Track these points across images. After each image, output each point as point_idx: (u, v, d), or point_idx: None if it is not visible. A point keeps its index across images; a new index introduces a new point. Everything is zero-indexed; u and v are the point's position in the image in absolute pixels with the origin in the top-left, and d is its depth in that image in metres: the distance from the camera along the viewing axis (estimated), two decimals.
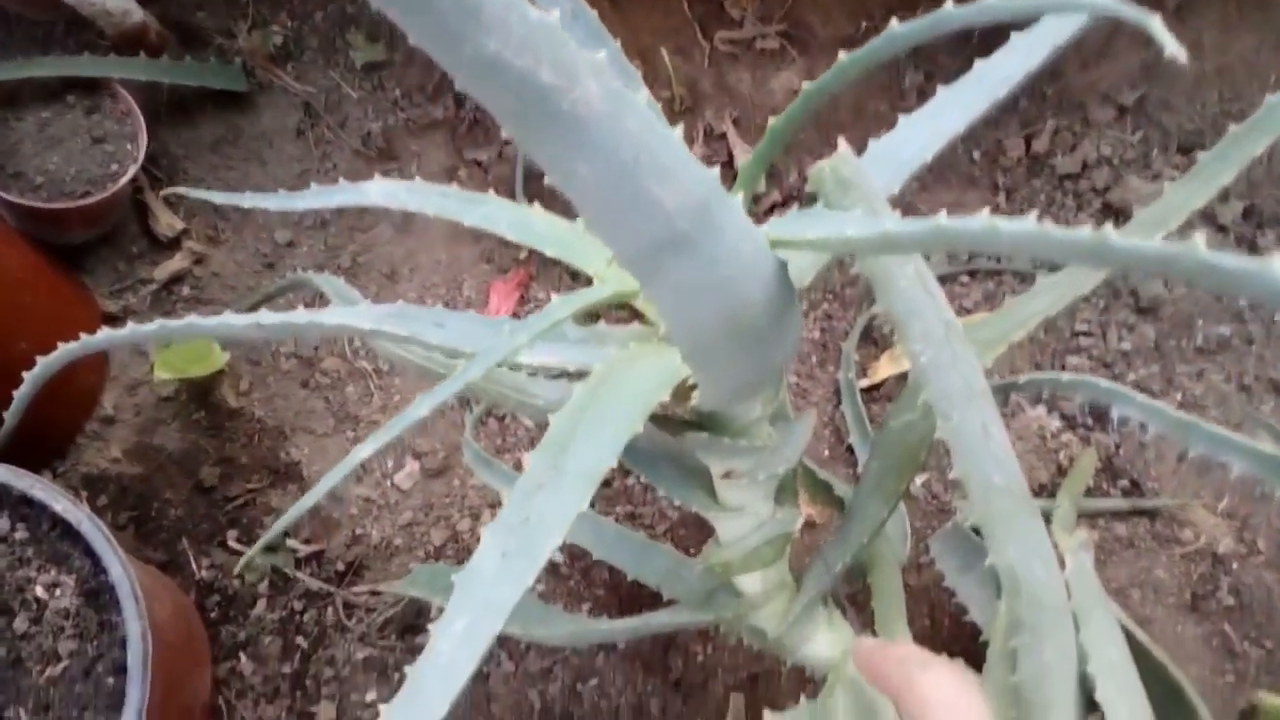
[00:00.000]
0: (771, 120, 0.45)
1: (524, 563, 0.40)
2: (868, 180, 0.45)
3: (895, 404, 0.64)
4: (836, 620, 0.67)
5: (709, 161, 1.04)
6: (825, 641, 0.66)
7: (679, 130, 0.34)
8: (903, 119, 0.57)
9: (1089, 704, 0.57)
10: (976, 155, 1.05)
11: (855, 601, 0.89)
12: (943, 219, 0.34)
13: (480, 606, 0.39)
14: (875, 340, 1.02)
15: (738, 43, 1.05)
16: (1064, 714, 0.56)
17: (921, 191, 1.04)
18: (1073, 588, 0.59)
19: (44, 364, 0.70)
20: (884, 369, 1.00)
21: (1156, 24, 0.29)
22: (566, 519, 0.41)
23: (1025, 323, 0.62)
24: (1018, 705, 0.56)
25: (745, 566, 0.62)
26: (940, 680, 0.43)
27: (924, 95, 1.05)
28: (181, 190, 0.71)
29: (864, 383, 1.01)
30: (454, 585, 0.40)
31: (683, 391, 0.53)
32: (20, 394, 0.74)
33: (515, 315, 1.01)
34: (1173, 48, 0.29)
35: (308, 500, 0.51)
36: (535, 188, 1.03)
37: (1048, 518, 0.74)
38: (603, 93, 0.30)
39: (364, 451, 0.49)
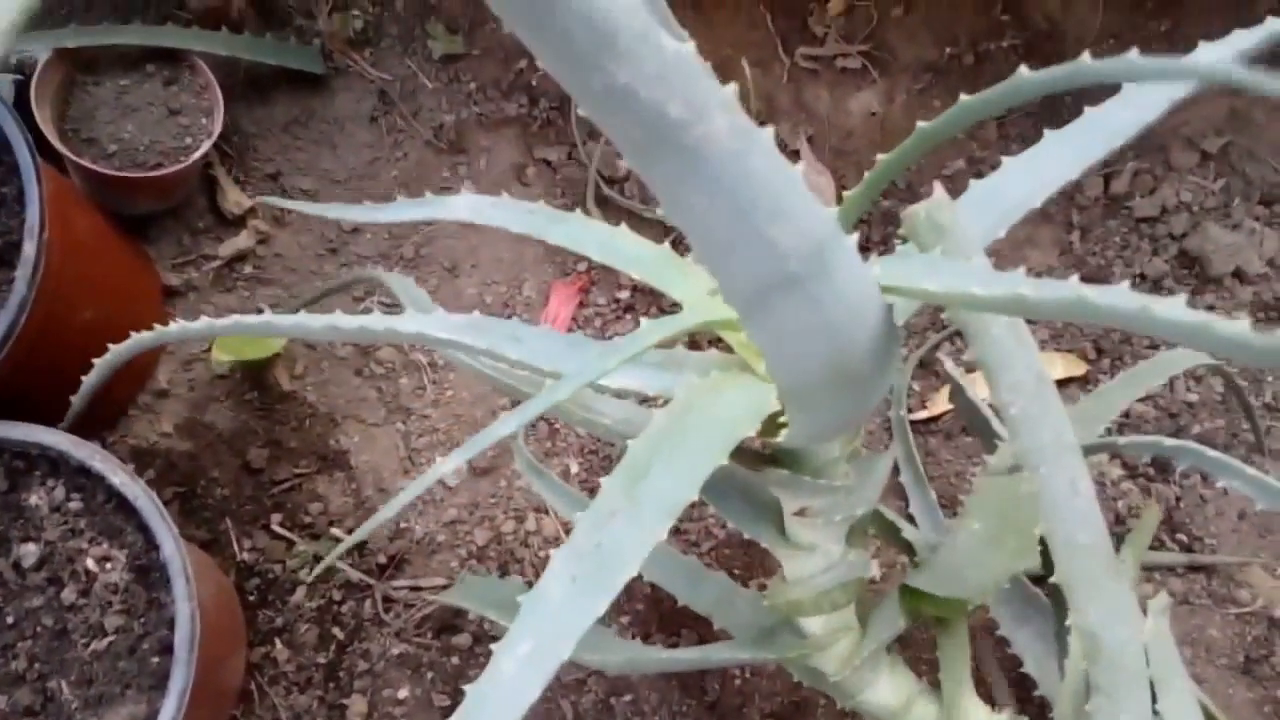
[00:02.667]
0: (880, 156, 0.44)
1: (594, 591, 0.39)
2: (963, 228, 0.44)
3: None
4: (899, 667, 0.65)
5: None
6: (887, 688, 0.64)
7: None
8: (1007, 161, 0.55)
9: None
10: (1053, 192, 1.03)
11: (915, 643, 0.87)
12: (1085, 290, 0.32)
13: (547, 631, 0.39)
14: (936, 372, 1.00)
15: (819, 59, 1.04)
16: None
17: None
18: (1151, 654, 0.57)
19: (115, 352, 0.71)
20: (943, 402, 0.98)
21: None
22: (642, 551, 0.40)
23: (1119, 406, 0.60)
24: None
25: (815, 608, 0.60)
26: None
27: (1004, 129, 1.04)
28: (273, 200, 0.73)
29: (922, 414, 0.99)
30: (520, 606, 0.40)
31: (769, 427, 0.51)
32: (88, 381, 0.74)
33: (574, 320, 1.00)
34: None
35: (383, 514, 0.50)
36: (601, 196, 1.02)
37: None
38: (731, 129, 0.29)
39: (446, 466, 0.48)
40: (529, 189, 1.03)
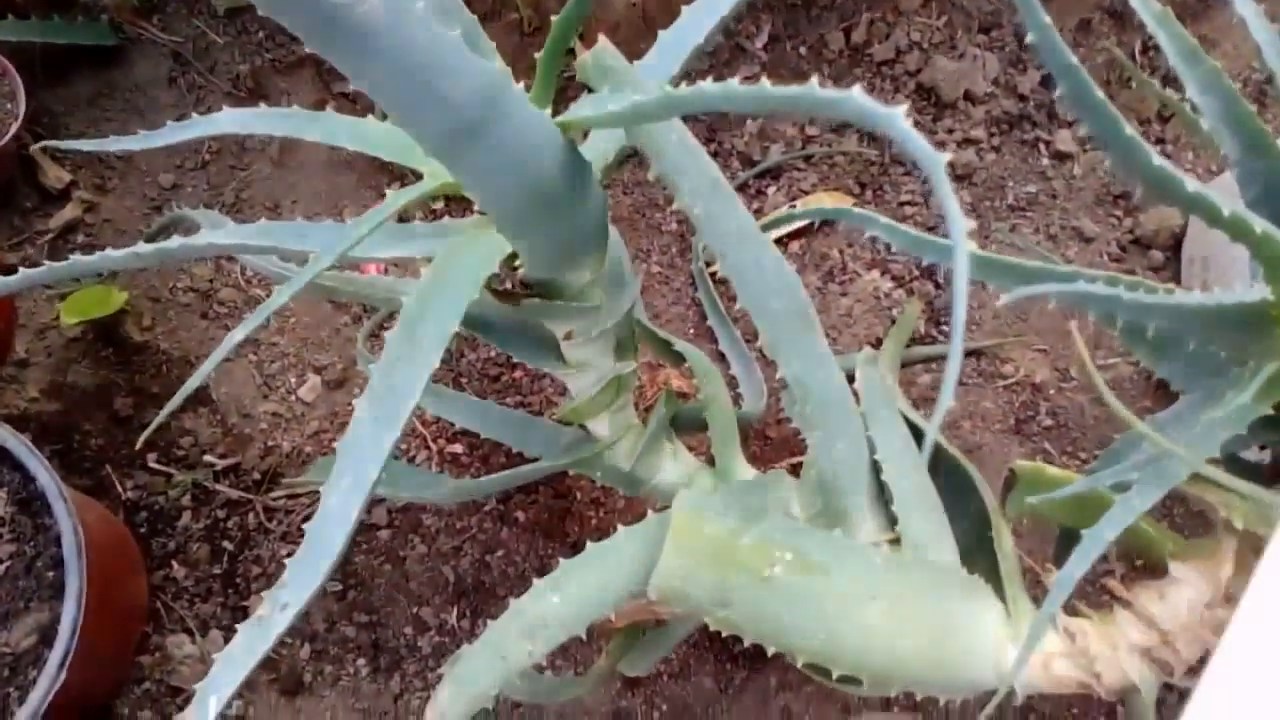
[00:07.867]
0: (553, 18, 0.54)
1: (390, 421, 0.48)
2: (623, 64, 0.54)
3: None
4: (681, 453, 0.79)
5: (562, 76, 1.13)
6: (671, 470, 0.77)
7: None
8: (685, 9, 0.66)
9: (883, 486, 0.68)
10: (803, 50, 1.16)
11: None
12: (673, 90, 0.43)
13: (360, 461, 0.47)
14: None
15: None
16: (859, 497, 0.67)
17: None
18: (863, 395, 0.71)
19: None
20: None
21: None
22: (423, 378, 0.49)
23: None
24: (823, 493, 0.68)
25: (591, 411, 0.72)
26: None
27: None
28: (55, 144, 0.77)
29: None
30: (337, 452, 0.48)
31: (510, 264, 0.62)
32: None
33: None
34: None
35: (194, 381, 0.59)
36: None
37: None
38: (385, 6, 0.36)
39: (237, 335, 0.57)
40: None
